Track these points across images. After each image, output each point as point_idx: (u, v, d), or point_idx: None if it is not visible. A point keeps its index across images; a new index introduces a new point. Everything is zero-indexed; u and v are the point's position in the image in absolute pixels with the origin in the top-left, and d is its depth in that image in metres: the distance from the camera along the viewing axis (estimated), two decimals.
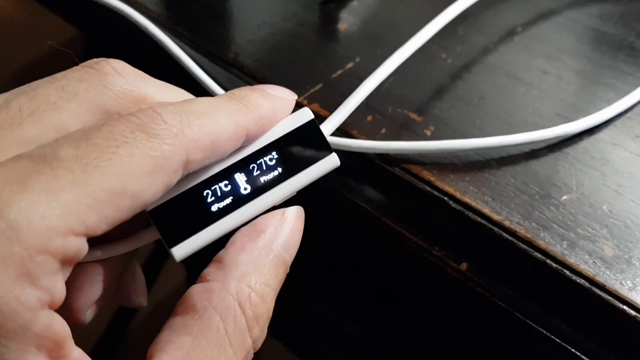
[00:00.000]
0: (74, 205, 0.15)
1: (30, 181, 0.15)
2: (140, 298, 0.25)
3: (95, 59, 0.20)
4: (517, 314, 0.27)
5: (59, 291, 0.16)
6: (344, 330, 0.39)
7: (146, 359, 0.18)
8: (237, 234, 0.21)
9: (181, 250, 0.20)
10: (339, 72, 0.34)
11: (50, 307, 0.15)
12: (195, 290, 0.19)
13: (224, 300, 0.19)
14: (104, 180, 0.16)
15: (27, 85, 0.19)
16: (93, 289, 0.20)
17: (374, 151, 0.29)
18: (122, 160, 0.16)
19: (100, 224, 0.16)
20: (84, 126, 0.18)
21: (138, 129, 0.17)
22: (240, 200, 0.21)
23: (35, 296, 0.15)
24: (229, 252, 0.20)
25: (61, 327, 0.16)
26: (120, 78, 0.20)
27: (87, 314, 0.21)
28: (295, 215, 0.22)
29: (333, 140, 0.28)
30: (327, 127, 0.25)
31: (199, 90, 0.33)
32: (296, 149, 0.22)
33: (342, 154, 0.27)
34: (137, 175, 0.17)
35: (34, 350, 0.15)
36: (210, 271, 0.20)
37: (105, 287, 0.21)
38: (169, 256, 0.20)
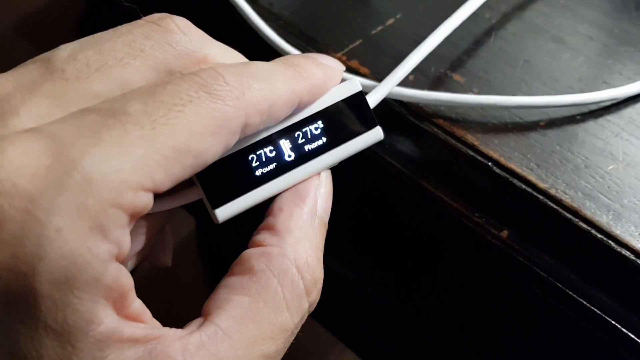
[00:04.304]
0: (144, 161, 0.16)
1: (102, 135, 0.16)
2: (167, 258, 0.25)
3: (158, 15, 0.20)
4: (558, 284, 0.26)
5: (127, 244, 0.16)
6: (369, 297, 0.39)
7: (202, 314, 0.18)
8: (281, 199, 0.21)
9: (224, 212, 0.20)
10: (379, 28, 0.33)
11: (118, 259, 0.16)
12: (253, 253, 0.19)
13: (281, 264, 0.19)
14: (171, 137, 0.16)
15: (91, 37, 0.19)
16: (136, 242, 0.20)
17: (415, 100, 0.28)
18: (188, 119, 0.17)
19: (166, 180, 0.16)
20: (147, 83, 0.18)
21: (202, 89, 0.17)
22: (283, 167, 0.21)
23: (107, 249, 0.15)
24: (279, 220, 0.20)
25: (127, 279, 0.16)
26: (184, 37, 0.20)
27: (128, 265, 0.21)
28: (329, 179, 0.22)
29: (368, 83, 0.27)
30: (373, 99, 0.25)
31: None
32: (342, 120, 0.22)
33: (383, 115, 0.26)
34: (201, 135, 0.17)
35: (103, 301, 0.15)
36: (265, 237, 0.20)
37: (146, 241, 0.21)
38: (176, 212, 0.21)
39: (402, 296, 0.37)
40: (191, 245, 0.78)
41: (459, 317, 0.33)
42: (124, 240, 0.16)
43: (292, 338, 0.20)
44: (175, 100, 0.17)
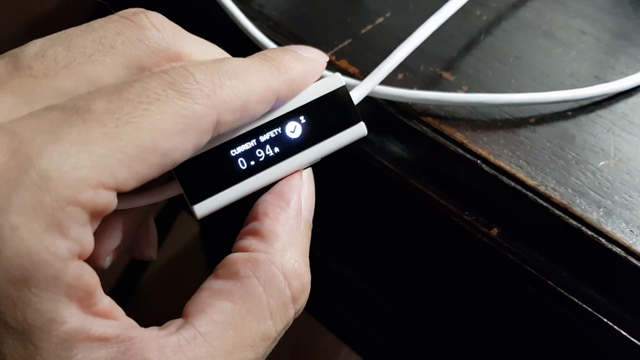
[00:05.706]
0: (106, 159, 0.15)
1: (62, 132, 0.15)
2: (151, 251, 0.25)
3: (133, 10, 0.20)
4: (549, 282, 0.26)
5: (88, 242, 0.16)
6: (364, 292, 0.39)
7: (182, 316, 0.18)
8: (265, 203, 0.20)
9: (203, 208, 0.20)
10: (369, 27, 0.33)
11: (80, 257, 0.15)
12: (239, 257, 0.19)
13: (268, 272, 0.19)
14: (135, 135, 0.16)
15: (62, 32, 0.19)
16: (112, 238, 0.20)
17: (404, 100, 0.28)
18: (154, 117, 0.16)
19: (130, 179, 0.16)
20: (117, 81, 0.17)
21: (170, 87, 0.17)
22: (264, 163, 0.21)
23: (66, 247, 0.15)
24: (265, 225, 0.20)
25: (91, 277, 0.16)
26: (157, 33, 0.19)
27: (106, 260, 0.21)
28: (311, 178, 0.22)
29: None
30: (357, 94, 0.24)
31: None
32: (324, 115, 0.22)
33: (371, 113, 0.26)
34: (168, 133, 0.16)
35: (65, 299, 0.15)
36: (252, 243, 0.19)
37: (124, 237, 0.21)
38: (181, 212, 0.20)
39: (403, 297, 0.37)
40: (196, 248, 0.78)
41: (453, 315, 0.33)
42: (85, 238, 0.15)
43: (274, 345, 0.19)
44: (142, 98, 0.16)
